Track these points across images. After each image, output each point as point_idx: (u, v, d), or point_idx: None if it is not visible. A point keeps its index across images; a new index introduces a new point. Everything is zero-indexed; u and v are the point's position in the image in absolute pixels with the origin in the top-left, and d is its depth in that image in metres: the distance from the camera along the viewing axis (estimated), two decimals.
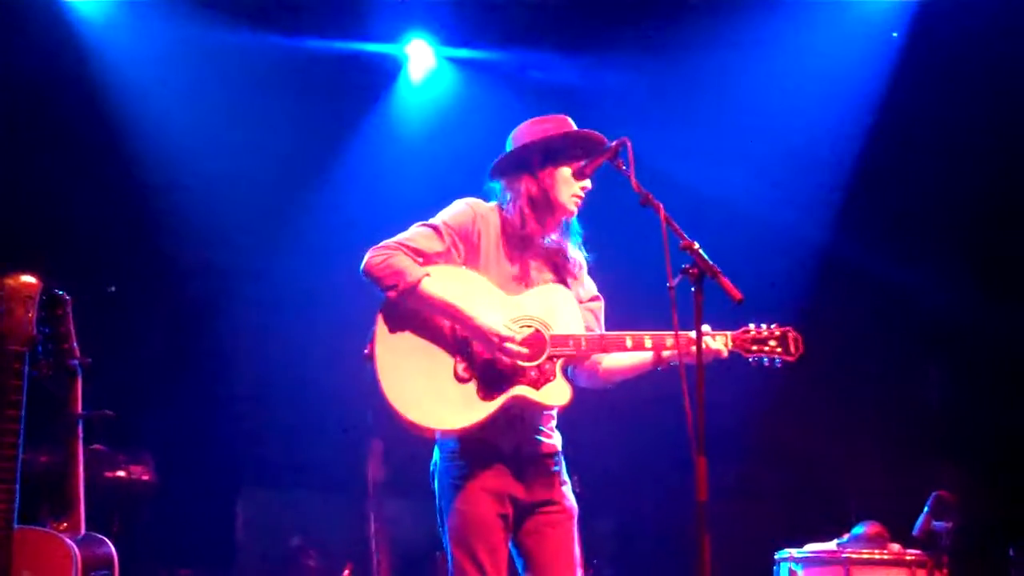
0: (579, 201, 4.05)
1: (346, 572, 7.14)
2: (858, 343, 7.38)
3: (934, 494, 5.86)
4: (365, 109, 7.92)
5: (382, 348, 3.87)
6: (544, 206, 4.04)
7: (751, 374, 6.97)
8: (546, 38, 7.52)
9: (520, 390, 3.86)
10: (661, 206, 3.63)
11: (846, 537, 5.98)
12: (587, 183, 4.03)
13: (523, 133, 4.11)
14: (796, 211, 7.43)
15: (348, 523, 7.63)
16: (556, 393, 3.90)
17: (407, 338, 3.89)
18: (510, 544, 3.95)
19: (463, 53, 7.79)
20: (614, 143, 3.83)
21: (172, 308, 7.64)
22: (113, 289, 6.96)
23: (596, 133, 4.06)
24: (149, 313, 7.54)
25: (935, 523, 5.82)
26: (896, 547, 5.91)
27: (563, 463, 4.06)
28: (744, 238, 6.87)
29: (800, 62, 7.35)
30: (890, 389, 7.48)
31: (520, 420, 3.93)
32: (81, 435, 4.23)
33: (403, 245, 3.92)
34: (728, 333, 3.95)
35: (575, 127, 4.10)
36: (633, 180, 3.72)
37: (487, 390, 3.85)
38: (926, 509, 5.85)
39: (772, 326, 3.98)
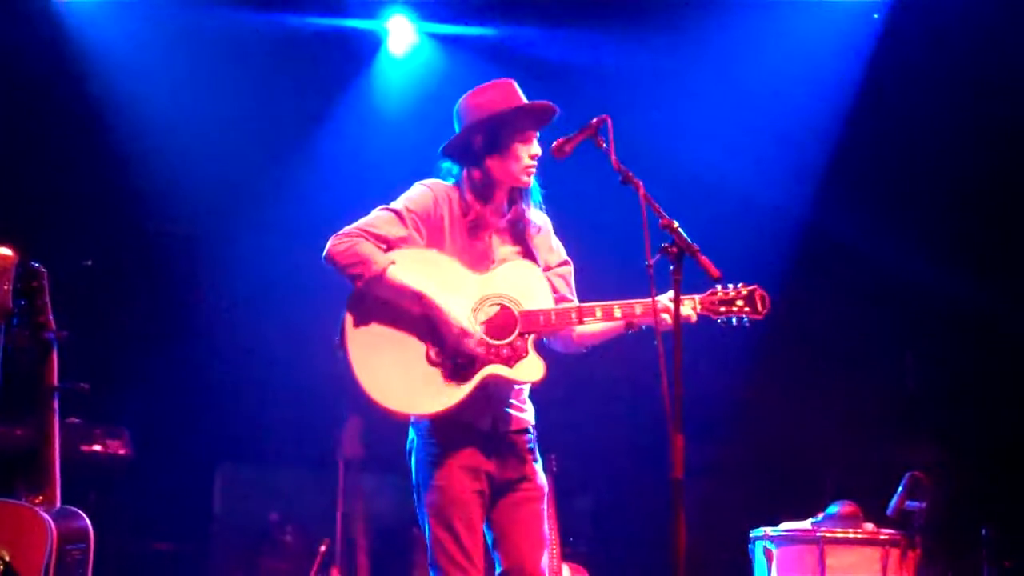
0: (532, 170, 4.02)
1: (323, 548, 7.14)
2: (835, 322, 7.41)
3: (908, 474, 5.90)
4: (345, 85, 7.86)
5: (353, 337, 3.88)
6: (493, 188, 4.04)
7: (728, 352, 7.02)
8: (528, 13, 7.49)
9: (493, 369, 3.87)
10: (641, 184, 3.63)
11: (820, 516, 6.01)
12: (536, 149, 4.01)
13: (465, 110, 4.08)
14: (776, 189, 7.44)
15: (325, 499, 7.63)
16: (530, 369, 3.91)
17: (377, 325, 3.90)
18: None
19: (444, 28, 7.75)
20: (594, 120, 3.79)
21: (149, 282, 7.60)
22: (90, 263, 6.92)
23: (538, 103, 4.03)
24: (126, 287, 7.51)
25: (909, 503, 5.86)
26: (870, 526, 5.94)
27: (536, 439, 4.07)
28: (723, 215, 6.88)
29: (783, 40, 7.34)
30: (866, 369, 7.51)
31: (495, 397, 3.94)
32: (57, 408, 4.22)
33: (365, 231, 3.91)
34: (696, 297, 3.95)
35: (519, 92, 4.07)
36: (613, 158, 3.70)
37: (460, 372, 3.85)
38: (900, 489, 5.89)
39: (739, 286, 3.96)
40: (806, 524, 5.99)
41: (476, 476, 3.90)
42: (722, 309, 3.95)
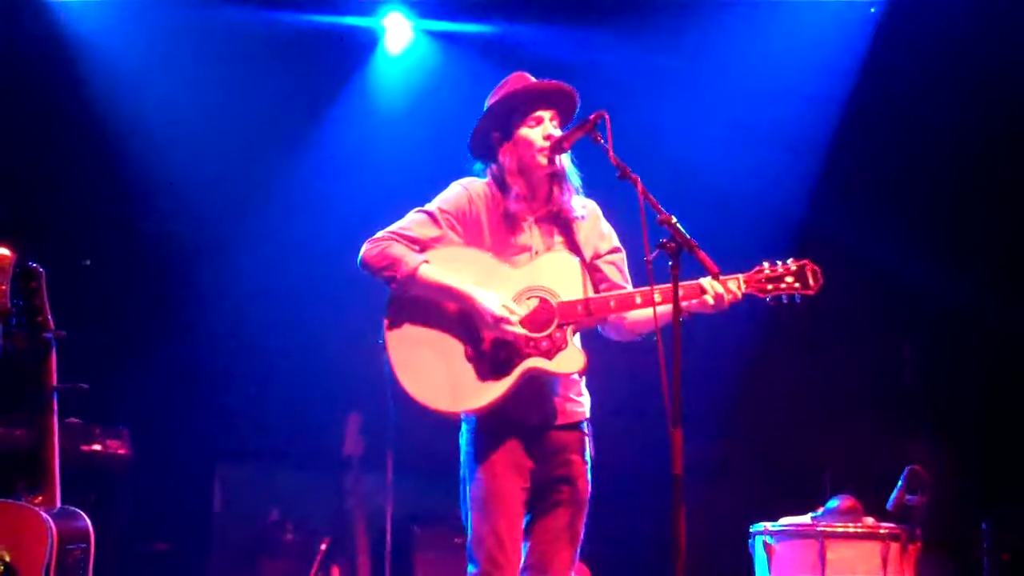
0: (547, 152, 3.97)
1: (323, 546, 7.14)
2: (833, 317, 7.41)
3: (908, 468, 5.90)
4: (341, 83, 7.85)
5: (393, 340, 3.91)
6: (515, 177, 4.01)
7: (727, 347, 7.01)
8: (524, 10, 7.48)
9: (533, 362, 3.85)
10: (639, 179, 3.63)
11: (820, 511, 6.01)
12: (549, 129, 3.97)
13: (484, 109, 4.09)
14: (773, 183, 7.43)
15: (326, 497, 7.63)
16: (569, 361, 3.88)
17: (416, 326, 3.92)
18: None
19: (441, 25, 7.73)
20: (592, 116, 3.80)
21: (148, 281, 7.59)
22: (88, 262, 6.92)
23: (533, 83, 4.03)
24: (124, 286, 7.49)
25: (909, 497, 5.85)
26: (870, 520, 5.94)
27: (591, 435, 4.05)
28: (720, 210, 6.88)
29: (780, 35, 7.35)
30: (865, 363, 7.50)
31: (544, 389, 3.94)
32: (56, 408, 4.21)
33: (396, 234, 3.94)
34: (740, 276, 3.84)
35: (529, 78, 4.06)
36: (611, 154, 3.70)
37: (500, 367, 3.85)
38: (900, 483, 5.88)
39: (788, 261, 3.86)
40: (806, 519, 5.99)
41: (521, 473, 3.92)
42: (770, 287, 3.84)
